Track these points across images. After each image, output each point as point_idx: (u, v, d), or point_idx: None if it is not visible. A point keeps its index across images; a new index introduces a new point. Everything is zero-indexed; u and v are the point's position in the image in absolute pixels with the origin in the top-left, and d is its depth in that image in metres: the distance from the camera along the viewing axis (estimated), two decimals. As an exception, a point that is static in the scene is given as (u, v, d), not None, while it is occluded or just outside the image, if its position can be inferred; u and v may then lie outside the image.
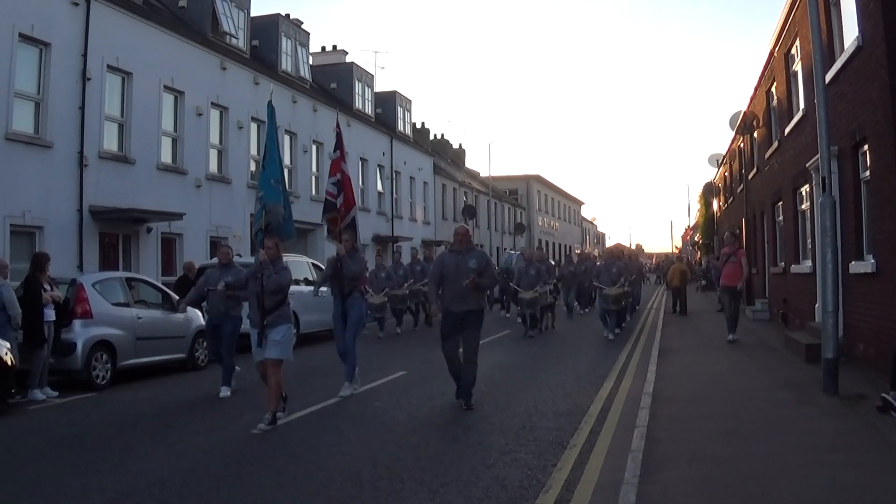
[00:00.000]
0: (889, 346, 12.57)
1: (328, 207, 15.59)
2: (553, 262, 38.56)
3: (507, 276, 32.35)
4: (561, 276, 34.17)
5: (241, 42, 33.64)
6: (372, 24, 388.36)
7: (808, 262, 19.48)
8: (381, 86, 51.87)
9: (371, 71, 49.08)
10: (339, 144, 16.16)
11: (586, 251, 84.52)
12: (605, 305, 23.93)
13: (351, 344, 14.30)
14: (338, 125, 16.98)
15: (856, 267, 14.58)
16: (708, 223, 61.82)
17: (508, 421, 11.50)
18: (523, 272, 25.67)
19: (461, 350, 12.72)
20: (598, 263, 28.92)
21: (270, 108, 14.21)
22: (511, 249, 51.91)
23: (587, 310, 36.04)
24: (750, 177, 32.57)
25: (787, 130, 21.74)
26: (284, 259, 12.60)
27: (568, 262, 36.71)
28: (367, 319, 24.98)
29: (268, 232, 12.73)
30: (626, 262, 28.56)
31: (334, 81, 45.84)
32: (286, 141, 36.44)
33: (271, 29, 37.63)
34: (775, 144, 24.61)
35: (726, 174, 46.70)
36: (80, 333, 15.80)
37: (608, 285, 23.81)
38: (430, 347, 21.30)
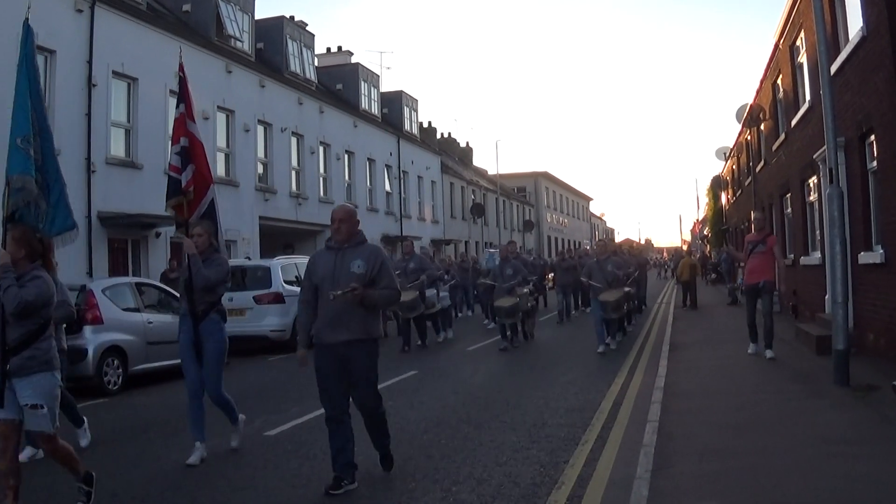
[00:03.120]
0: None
1: (172, 189, 10.65)
2: (533, 258, 35.74)
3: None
4: (553, 273, 32.37)
5: (245, 45, 33.74)
6: (377, 24, 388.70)
7: (818, 254, 19.45)
8: (387, 86, 52.02)
9: (377, 71, 49.41)
10: (183, 94, 10.84)
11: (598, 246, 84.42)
12: (604, 313, 19.16)
13: (216, 390, 10.16)
14: (181, 66, 11.24)
15: (865, 258, 14.57)
16: (716, 216, 61.71)
17: (520, 418, 11.50)
18: (497, 272, 21.88)
19: (354, 403, 8.50)
20: (592, 259, 21.97)
21: (27, 30, 8.69)
22: (491, 248, 48.17)
23: (588, 309, 28.57)
24: (757, 169, 32.55)
25: (793, 122, 21.72)
26: (38, 268, 7.40)
27: (561, 257, 33.13)
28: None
29: (14, 221, 7.92)
30: (626, 257, 24.75)
31: (340, 82, 45.90)
32: (293, 142, 36.60)
33: (276, 31, 37.72)
34: (782, 136, 24.60)
35: (734, 167, 46.69)
36: (91, 339, 15.79)
37: (603, 286, 19.30)
38: (440, 347, 21.29)
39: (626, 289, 20.99)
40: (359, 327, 8.12)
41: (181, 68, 11.13)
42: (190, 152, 10.49)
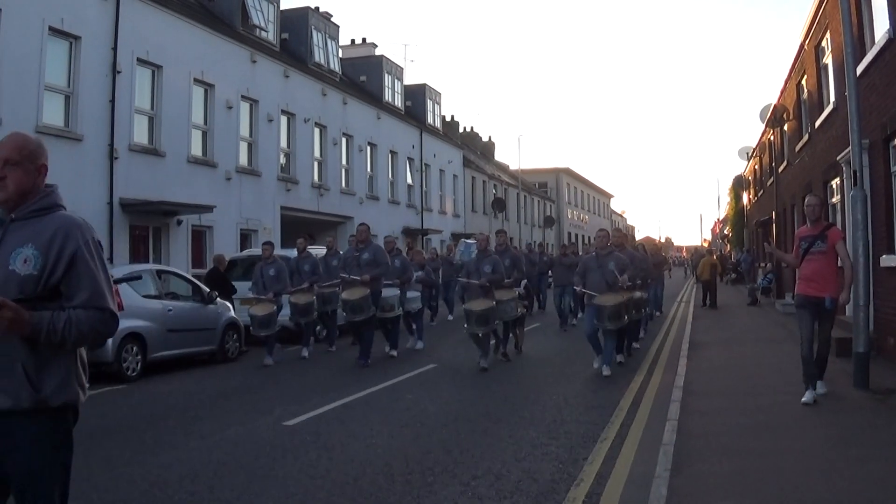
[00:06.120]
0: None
1: None
2: (527, 252, 31.60)
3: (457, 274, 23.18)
4: (552, 270, 28.31)
5: (270, 35, 33.85)
6: (401, 16, 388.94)
7: (839, 256, 19.37)
8: (410, 79, 52.20)
9: (401, 64, 49.37)
10: None
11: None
12: (599, 323, 15.30)
13: None
14: None
15: (887, 261, 14.50)
16: (738, 216, 61.60)
17: (539, 414, 11.51)
18: (473, 267, 17.49)
19: None
20: (589, 254, 17.48)
21: None
22: (468, 238, 41.87)
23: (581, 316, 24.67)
24: (780, 170, 32.46)
25: (817, 123, 21.64)
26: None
27: (562, 252, 28.24)
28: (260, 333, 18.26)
29: None
30: (633, 254, 18.71)
31: (364, 74, 45.97)
32: (316, 133, 36.66)
33: (301, 22, 37.81)
34: (805, 137, 24.51)
35: (756, 167, 46.57)
36: (111, 326, 15.82)
37: (600, 290, 15.40)
38: (458, 340, 21.23)
39: (638, 293, 17.70)
40: (20, 387, 3.93)
41: None
42: None
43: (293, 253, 20.57)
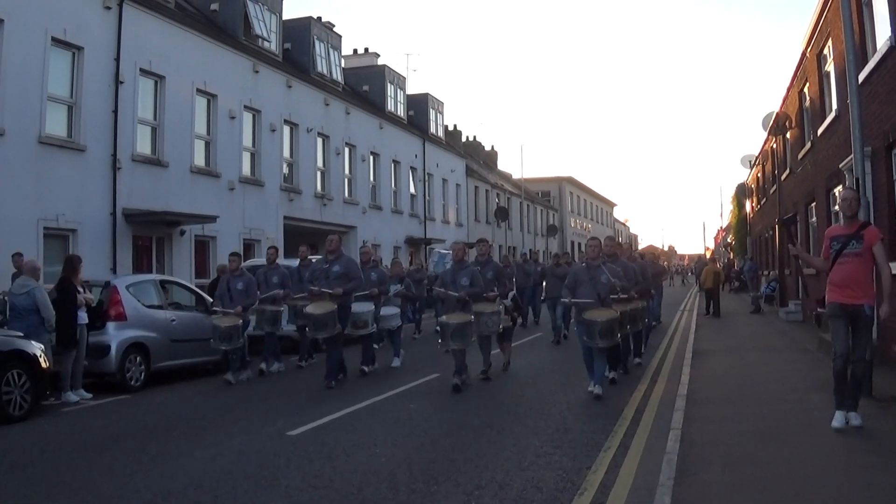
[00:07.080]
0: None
1: None
2: (516, 261, 30.68)
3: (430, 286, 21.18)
4: (545, 281, 26.83)
5: (273, 45, 33.89)
6: (404, 26, 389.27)
7: (842, 264, 19.31)
8: (413, 88, 52.12)
9: (403, 73, 49.50)
10: None
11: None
12: (589, 340, 13.67)
13: None
14: None
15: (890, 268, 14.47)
16: (740, 224, 61.55)
17: (543, 423, 11.49)
18: (449, 279, 15.83)
19: None
20: (580, 265, 16.23)
21: None
22: (442, 248, 39.58)
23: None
24: (783, 178, 32.41)
25: (819, 131, 21.62)
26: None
27: (555, 262, 26.40)
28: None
29: None
30: (627, 265, 16.25)
31: (367, 84, 45.96)
32: (318, 143, 36.71)
33: (303, 32, 37.83)
34: (808, 145, 24.49)
35: (759, 175, 46.49)
36: (115, 336, 15.86)
37: (592, 303, 13.86)
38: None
39: (641, 303, 16.57)
40: None
41: None
42: None
43: (295, 262, 20.40)
